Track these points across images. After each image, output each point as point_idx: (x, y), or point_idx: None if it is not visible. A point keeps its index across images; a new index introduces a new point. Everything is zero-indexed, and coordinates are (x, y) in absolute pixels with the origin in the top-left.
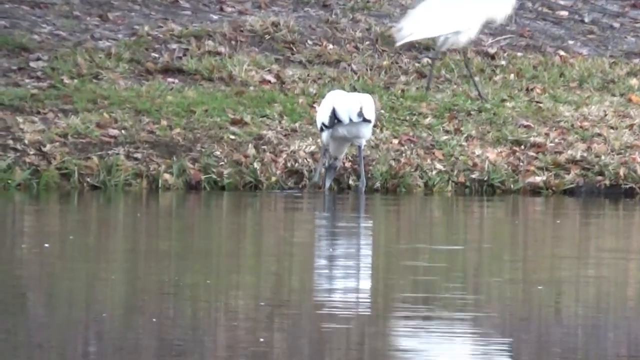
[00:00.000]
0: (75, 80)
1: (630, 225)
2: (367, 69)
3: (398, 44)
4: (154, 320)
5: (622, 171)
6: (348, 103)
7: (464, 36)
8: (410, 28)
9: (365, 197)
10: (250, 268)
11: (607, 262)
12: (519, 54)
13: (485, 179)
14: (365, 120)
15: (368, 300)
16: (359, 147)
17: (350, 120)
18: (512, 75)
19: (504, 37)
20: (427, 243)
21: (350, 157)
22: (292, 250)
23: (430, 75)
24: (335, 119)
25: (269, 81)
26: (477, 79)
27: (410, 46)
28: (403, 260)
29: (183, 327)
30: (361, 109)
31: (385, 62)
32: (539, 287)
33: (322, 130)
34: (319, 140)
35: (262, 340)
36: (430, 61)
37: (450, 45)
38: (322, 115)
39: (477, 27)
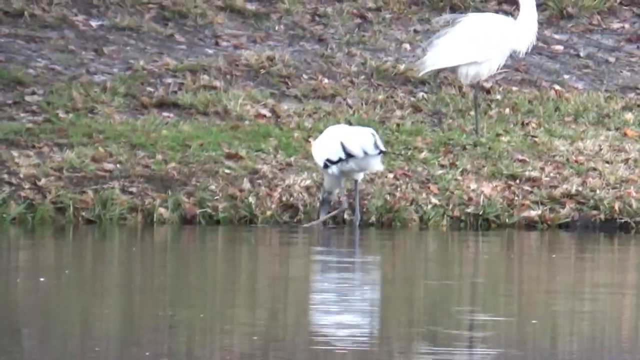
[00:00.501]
0: (71, 115)
1: (625, 260)
2: (362, 103)
3: (421, 73)
4: (147, 354)
5: (617, 205)
6: (360, 136)
7: (484, 67)
8: (434, 58)
9: (360, 231)
10: (244, 303)
11: (602, 297)
12: (514, 88)
13: (481, 213)
14: (381, 153)
15: (364, 334)
16: (356, 181)
17: (365, 153)
18: (507, 110)
19: (499, 71)
20: (422, 277)
21: (345, 192)
22: (285, 286)
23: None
24: (346, 153)
25: (264, 115)
26: (472, 113)
27: (406, 81)
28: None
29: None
30: (376, 141)
31: (380, 97)
32: (533, 322)
33: (326, 167)
34: (314, 175)
35: None
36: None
37: (473, 78)
38: (326, 151)
39: (499, 57)
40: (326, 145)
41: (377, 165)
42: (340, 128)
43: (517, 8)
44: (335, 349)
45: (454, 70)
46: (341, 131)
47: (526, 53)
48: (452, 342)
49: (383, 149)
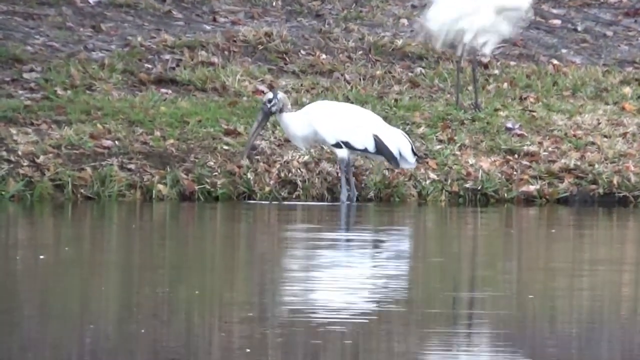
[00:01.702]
0: (69, 92)
1: (624, 235)
2: (360, 79)
3: (419, 37)
4: (143, 331)
5: (615, 180)
6: (398, 137)
7: (492, 35)
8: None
9: (356, 206)
10: (240, 281)
11: (601, 273)
12: (512, 62)
13: (479, 188)
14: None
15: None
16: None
17: (400, 155)
18: (505, 84)
19: (497, 46)
20: (421, 255)
21: (353, 168)
22: (279, 263)
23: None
24: (377, 149)
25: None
26: (470, 87)
27: (403, 56)
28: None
29: (175, 336)
30: (412, 147)
31: (378, 72)
32: (530, 296)
33: (337, 146)
34: (312, 150)
35: (248, 350)
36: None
37: (481, 42)
38: (347, 134)
39: (503, 23)
40: (349, 128)
41: (406, 165)
42: (363, 113)
43: None
44: (333, 326)
45: (462, 33)
46: (372, 121)
47: (521, 24)
48: (448, 321)
49: (417, 154)
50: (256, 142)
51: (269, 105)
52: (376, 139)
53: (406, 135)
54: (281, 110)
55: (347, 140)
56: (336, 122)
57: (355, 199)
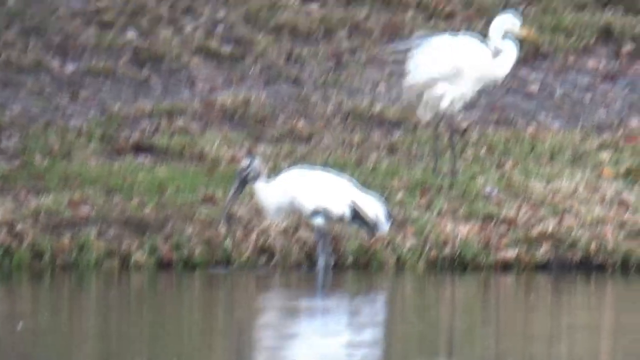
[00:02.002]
0: (47, 159)
1: (602, 301)
2: (338, 145)
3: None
4: None
5: (593, 245)
6: (374, 203)
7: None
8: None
9: (333, 273)
10: (216, 349)
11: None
12: (490, 128)
13: (457, 254)
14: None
15: None
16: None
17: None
18: (483, 150)
19: (474, 112)
20: (398, 321)
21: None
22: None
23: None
24: (354, 215)
25: (241, 158)
26: (448, 154)
27: (381, 122)
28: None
29: None
30: (387, 210)
31: (356, 138)
32: None
33: (315, 214)
34: (289, 217)
35: None
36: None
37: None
38: (324, 201)
39: (473, 83)
40: (326, 196)
41: (381, 231)
42: (339, 179)
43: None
44: None
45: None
46: (349, 189)
47: (499, 90)
48: None
49: (392, 218)
50: (233, 208)
51: (244, 173)
52: (353, 205)
53: (380, 200)
54: (256, 179)
55: (325, 207)
56: (314, 190)
57: (332, 266)
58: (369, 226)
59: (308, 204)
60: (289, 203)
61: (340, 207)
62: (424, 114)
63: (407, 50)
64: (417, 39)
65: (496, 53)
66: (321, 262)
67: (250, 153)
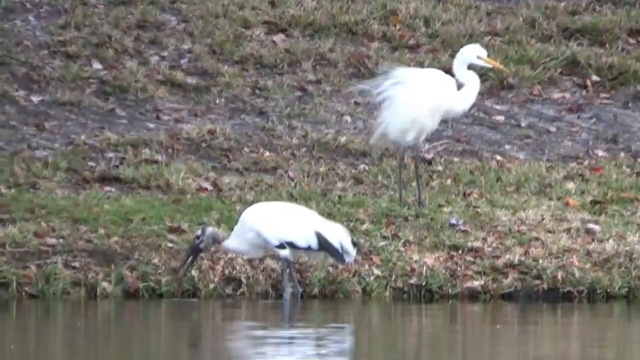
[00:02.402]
0: (13, 190)
1: (568, 330)
2: (304, 176)
3: (372, 141)
4: None
5: (559, 275)
6: (338, 232)
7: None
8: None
9: (300, 303)
10: None
11: None
12: (456, 159)
13: (423, 284)
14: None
15: None
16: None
17: (342, 249)
18: (449, 180)
19: (440, 142)
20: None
21: (297, 264)
22: None
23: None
24: (321, 245)
25: (206, 189)
26: (414, 184)
27: (347, 152)
28: None
29: None
30: (352, 238)
31: (322, 169)
32: None
33: (280, 247)
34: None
35: None
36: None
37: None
38: (289, 233)
39: (438, 116)
40: (290, 228)
41: (349, 260)
42: (302, 210)
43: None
44: None
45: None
46: (312, 219)
47: (464, 121)
48: None
49: (357, 245)
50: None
51: (197, 242)
52: (319, 236)
53: (344, 228)
54: (220, 242)
55: (290, 240)
56: (277, 223)
57: (299, 296)
58: (336, 255)
59: (273, 238)
60: (257, 239)
61: (305, 239)
62: (378, 142)
63: (375, 88)
64: (382, 75)
65: (460, 85)
66: (287, 292)
67: (202, 223)
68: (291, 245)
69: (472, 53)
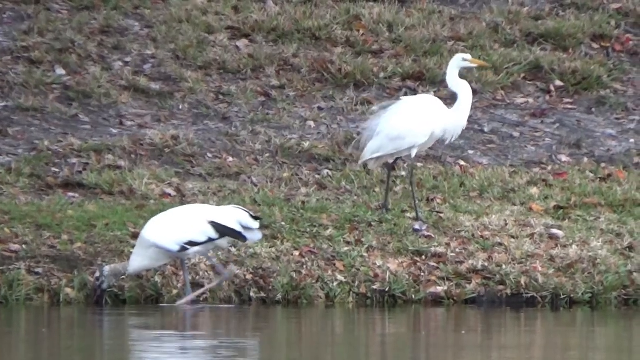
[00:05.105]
0: None
1: (531, 335)
2: (267, 181)
3: (361, 161)
4: None
5: (523, 280)
6: (233, 213)
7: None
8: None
9: (263, 309)
10: None
11: None
12: (419, 164)
13: (387, 289)
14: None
15: None
16: (183, 261)
17: (246, 227)
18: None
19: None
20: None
21: (251, 270)
22: None
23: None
24: (220, 232)
25: (170, 194)
26: (377, 189)
27: (311, 158)
28: None
29: None
30: (250, 213)
31: (285, 174)
32: None
33: (183, 250)
34: (219, 253)
35: None
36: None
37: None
38: (186, 234)
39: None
40: (185, 229)
41: (257, 237)
42: (190, 207)
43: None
44: None
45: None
46: (203, 211)
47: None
48: None
49: (260, 219)
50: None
51: (98, 284)
52: (214, 225)
53: (239, 207)
54: (123, 273)
55: (188, 239)
56: (171, 230)
57: (262, 302)
58: (239, 236)
59: (172, 246)
60: (158, 251)
61: (202, 232)
62: (375, 165)
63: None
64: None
65: (452, 94)
66: (190, 296)
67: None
68: (192, 244)
69: (459, 58)
